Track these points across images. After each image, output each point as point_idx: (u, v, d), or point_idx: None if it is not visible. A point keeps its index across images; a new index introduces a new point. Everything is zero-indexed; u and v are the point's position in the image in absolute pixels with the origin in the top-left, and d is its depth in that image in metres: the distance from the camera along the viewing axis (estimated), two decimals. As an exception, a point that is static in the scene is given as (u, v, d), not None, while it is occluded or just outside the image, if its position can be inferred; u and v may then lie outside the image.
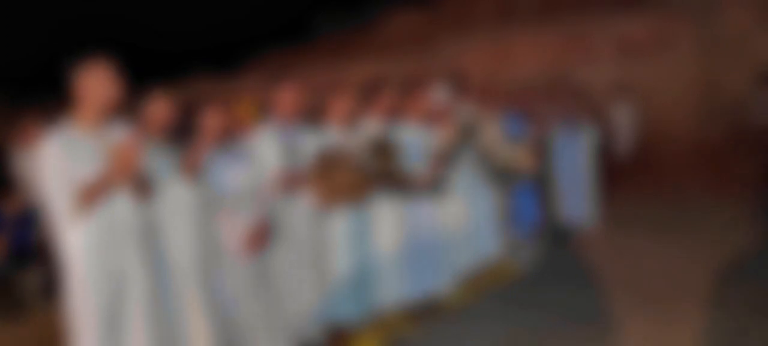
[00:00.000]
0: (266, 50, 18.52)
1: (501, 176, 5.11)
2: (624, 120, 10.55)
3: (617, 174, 8.78)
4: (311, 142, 3.74)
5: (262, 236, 3.40)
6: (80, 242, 2.46)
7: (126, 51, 2.65)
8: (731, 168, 9.00)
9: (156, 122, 3.07)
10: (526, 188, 5.79)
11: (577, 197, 6.60)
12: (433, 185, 4.38)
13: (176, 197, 3.02)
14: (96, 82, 2.50)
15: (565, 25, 11.85)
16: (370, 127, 4.17)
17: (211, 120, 3.34)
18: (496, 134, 5.01)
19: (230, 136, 3.44)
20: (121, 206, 2.54)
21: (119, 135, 2.57)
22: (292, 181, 3.55)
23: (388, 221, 4.13)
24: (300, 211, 3.64)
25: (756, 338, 3.53)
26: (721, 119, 10.14)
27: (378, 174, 3.88)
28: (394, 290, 4.14)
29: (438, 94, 4.82)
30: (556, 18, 12.02)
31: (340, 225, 3.83)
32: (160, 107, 3.09)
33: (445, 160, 4.49)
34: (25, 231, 5.50)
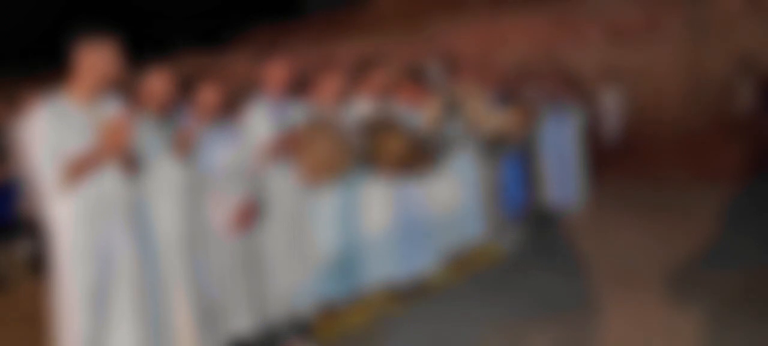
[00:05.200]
0: (256, 26, 18.34)
1: (489, 147, 5.08)
2: (612, 104, 10.61)
3: (603, 157, 8.85)
4: (302, 117, 3.72)
5: (251, 216, 3.40)
6: (67, 216, 2.45)
7: (114, 26, 2.62)
8: (716, 153, 9.10)
9: (154, 98, 3.03)
10: (513, 169, 5.81)
11: (563, 179, 6.64)
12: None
13: (165, 175, 3.00)
14: (98, 59, 2.49)
15: (556, 8, 11.84)
16: (361, 107, 4.17)
17: (207, 96, 3.31)
18: (481, 105, 4.98)
19: (227, 112, 3.42)
20: (110, 182, 2.53)
21: (111, 110, 2.55)
22: (282, 144, 3.53)
23: (376, 201, 4.14)
24: (288, 188, 3.64)
25: (739, 321, 3.60)
26: (706, 105, 10.23)
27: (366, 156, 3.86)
28: (380, 269, 4.17)
29: (428, 75, 4.81)
30: (547, 1, 12.00)
31: (328, 203, 3.84)
32: (159, 82, 3.04)
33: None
34: (5, 203, 5.41)
